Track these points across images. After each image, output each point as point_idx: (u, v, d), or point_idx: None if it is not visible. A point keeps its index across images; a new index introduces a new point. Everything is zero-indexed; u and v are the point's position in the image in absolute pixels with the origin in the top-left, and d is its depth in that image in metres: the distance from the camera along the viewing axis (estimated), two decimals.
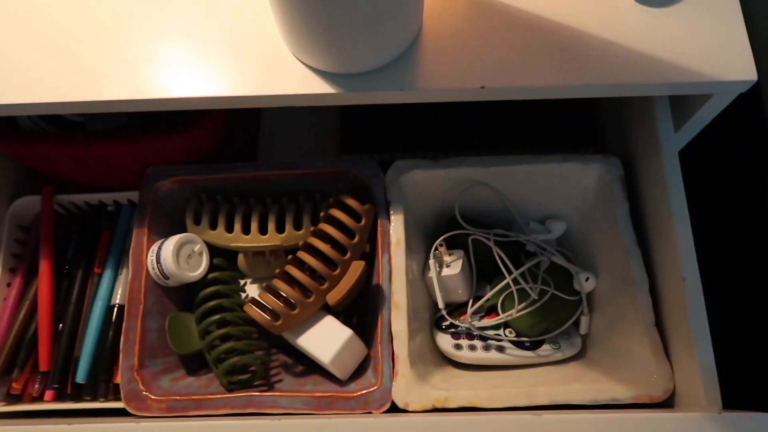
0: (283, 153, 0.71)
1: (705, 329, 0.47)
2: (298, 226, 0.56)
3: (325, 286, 0.51)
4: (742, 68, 0.46)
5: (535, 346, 0.56)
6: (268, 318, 0.50)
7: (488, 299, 0.57)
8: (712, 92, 0.48)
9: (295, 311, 0.50)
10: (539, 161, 0.56)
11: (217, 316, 0.54)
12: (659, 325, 0.52)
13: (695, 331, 0.46)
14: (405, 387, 0.49)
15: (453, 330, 0.57)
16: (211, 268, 0.57)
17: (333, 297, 0.51)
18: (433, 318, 0.59)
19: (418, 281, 0.56)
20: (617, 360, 0.53)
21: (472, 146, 0.65)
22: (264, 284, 0.52)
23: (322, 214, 0.54)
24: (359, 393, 0.50)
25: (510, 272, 0.54)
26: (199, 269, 0.56)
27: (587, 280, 0.56)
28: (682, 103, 0.53)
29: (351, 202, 0.54)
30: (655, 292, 0.53)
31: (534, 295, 0.55)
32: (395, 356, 0.50)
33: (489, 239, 0.56)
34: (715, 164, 0.97)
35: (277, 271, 0.52)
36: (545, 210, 0.60)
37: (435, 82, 0.46)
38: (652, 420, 0.42)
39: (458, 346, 0.56)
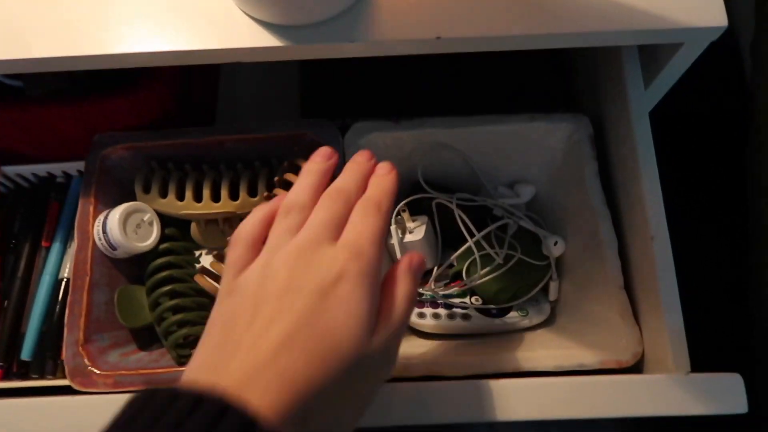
0: (244, 118, 0.67)
1: (674, 290, 0.45)
2: (253, 193, 0.53)
3: None
4: (712, 14, 0.43)
5: (501, 313, 0.54)
6: (216, 286, 0.48)
7: (452, 265, 0.55)
8: (681, 40, 0.45)
9: None
10: (505, 121, 0.54)
11: (167, 287, 0.51)
12: (629, 288, 0.50)
13: (663, 292, 0.44)
14: None
15: (417, 298, 0.55)
16: (164, 238, 0.54)
17: None
18: None
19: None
20: (586, 325, 0.51)
21: (442, 108, 0.62)
22: (215, 253, 0.50)
23: (276, 178, 0.51)
24: None
25: (472, 236, 0.52)
26: (149, 239, 0.53)
27: (556, 244, 0.54)
28: (651, 57, 0.50)
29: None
30: (625, 254, 0.51)
31: (499, 260, 0.52)
32: None
33: (452, 203, 0.53)
34: (689, 124, 0.96)
35: (229, 239, 0.49)
36: (513, 172, 0.58)
37: (388, 34, 0.43)
38: (615, 383, 0.40)
39: (421, 315, 0.54)
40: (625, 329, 0.48)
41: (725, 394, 0.40)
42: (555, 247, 0.54)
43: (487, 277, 0.52)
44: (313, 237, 0.32)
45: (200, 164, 0.55)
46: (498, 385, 0.40)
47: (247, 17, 0.44)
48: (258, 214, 0.35)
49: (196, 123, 0.57)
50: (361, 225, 0.33)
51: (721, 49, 0.77)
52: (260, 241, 0.34)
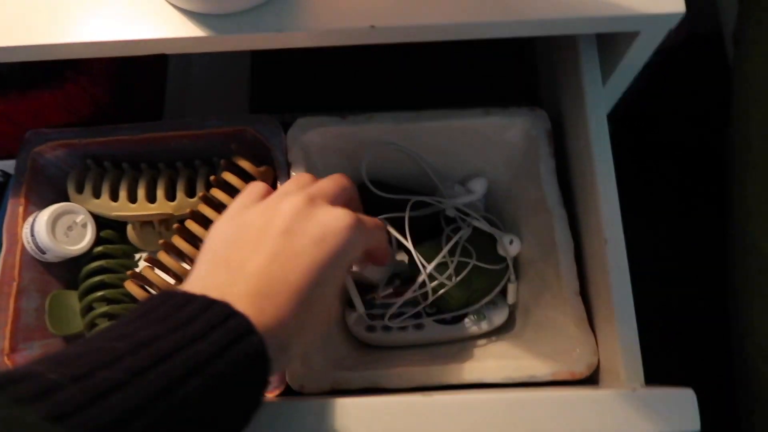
0: (194, 114, 0.64)
1: (627, 297, 0.42)
2: (191, 194, 0.51)
3: None
4: (668, 0, 0.40)
5: (456, 320, 0.51)
6: (146, 294, 0.45)
7: (401, 278, 0.52)
8: (637, 29, 0.42)
9: (176, 284, 0.45)
10: (458, 116, 0.51)
11: (99, 293, 0.49)
12: (585, 294, 0.47)
13: (616, 299, 0.41)
14: (302, 369, 0.44)
15: (366, 311, 0.52)
16: (99, 241, 0.52)
17: None
18: (345, 297, 0.54)
19: None
20: (540, 333, 0.48)
21: (398, 103, 0.59)
22: (147, 257, 0.47)
23: (212, 178, 0.48)
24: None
25: (418, 244, 0.49)
26: (81, 242, 0.50)
27: (511, 243, 0.51)
28: (609, 51, 0.47)
29: (244, 164, 0.48)
30: (582, 257, 0.48)
31: (450, 270, 0.49)
32: None
33: (398, 205, 0.50)
34: (673, 122, 0.93)
35: (161, 242, 0.47)
36: (469, 170, 0.54)
37: (318, 23, 0.40)
38: (560, 400, 0.37)
39: (371, 328, 0.51)
40: (580, 338, 0.45)
41: (677, 410, 0.37)
42: (511, 246, 0.51)
43: (441, 291, 0.49)
44: (319, 194, 0.37)
45: (138, 163, 0.52)
46: (427, 402, 0.37)
47: (170, 6, 0.41)
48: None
49: (140, 119, 0.54)
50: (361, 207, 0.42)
51: (705, 45, 0.73)
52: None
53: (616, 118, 0.94)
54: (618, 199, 0.44)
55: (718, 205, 0.71)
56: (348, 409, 0.37)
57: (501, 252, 0.51)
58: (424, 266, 0.48)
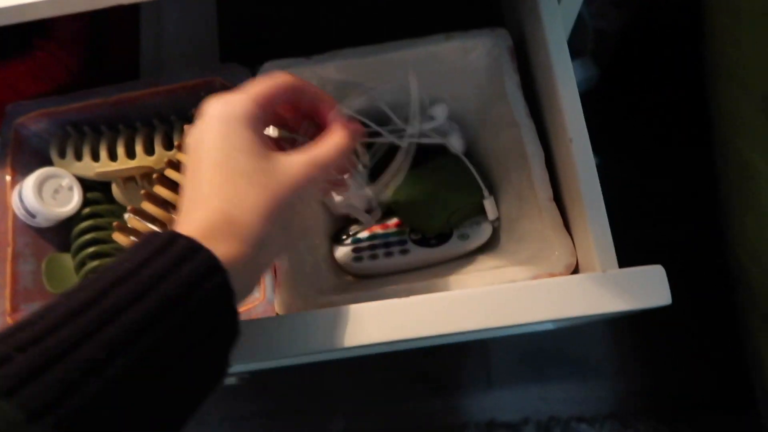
0: (171, 69, 0.65)
1: (595, 190, 0.42)
2: (170, 147, 0.52)
3: None
4: None
5: (441, 241, 0.52)
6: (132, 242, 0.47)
7: (381, 203, 0.53)
8: None
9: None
10: (420, 44, 0.51)
11: (91, 249, 0.50)
12: (559, 199, 0.47)
13: (585, 192, 0.42)
14: (288, 297, 0.46)
15: (352, 242, 0.53)
16: (87, 203, 0.53)
17: None
18: (331, 231, 0.55)
19: None
20: (521, 244, 0.49)
21: (363, 40, 0.59)
22: (131, 207, 0.48)
23: (186, 126, 0.49)
24: (242, 309, 0.46)
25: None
26: (69, 204, 0.52)
27: (459, 139, 0.52)
28: None
29: None
30: (552, 165, 0.48)
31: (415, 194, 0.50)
32: (276, 266, 0.47)
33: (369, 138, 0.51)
34: (648, 42, 0.93)
35: (143, 192, 0.48)
36: (437, 99, 0.55)
37: None
38: (527, 286, 0.38)
39: (358, 258, 0.52)
40: (557, 241, 0.46)
41: (648, 287, 0.37)
42: (460, 142, 0.52)
43: (416, 204, 0.50)
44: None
45: (117, 124, 0.54)
46: (405, 302, 0.38)
47: None
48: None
49: (118, 81, 0.55)
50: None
51: None
52: None
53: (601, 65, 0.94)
54: (579, 100, 0.45)
55: (703, 127, 0.72)
56: (329, 317, 0.38)
57: (454, 150, 0.52)
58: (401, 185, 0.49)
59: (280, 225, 0.33)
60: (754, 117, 0.58)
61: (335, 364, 0.99)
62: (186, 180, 0.34)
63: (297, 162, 0.34)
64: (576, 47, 1.00)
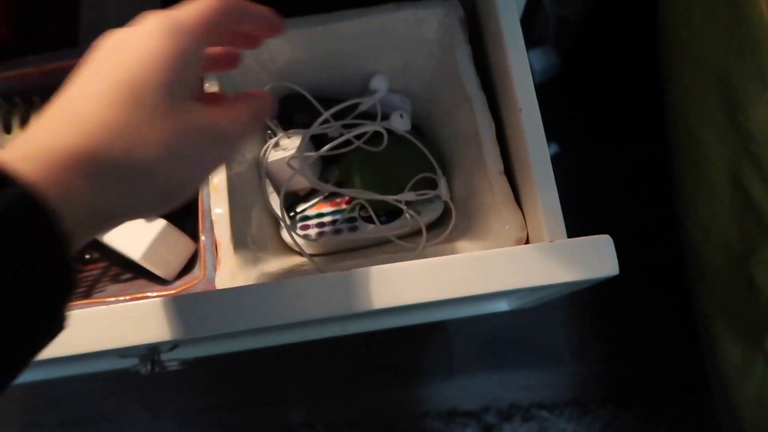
0: None
1: (545, 159, 0.41)
2: None
3: None
4: None
5: (391, 218, 0.51)
6: None
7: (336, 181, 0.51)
8: None
9: None
10: (371, 14, 0.50)
11: None
12: (510, 173, 0.46)
13: (534, 162, 0.41)
14: (229, 274, 0.44)
15: (300, 220, 0.52)
16: None
17: None
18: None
19: (250, 165, 0.50)
20: (473, 219, 0.48)
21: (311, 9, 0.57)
22: None
23: None
24: (181, 288, 0.44)
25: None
26: None
27: (402, 117, 0.50)
28: None
29: None
30: (504, 138, 0.47)
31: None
32: (217, 243, 0.45)
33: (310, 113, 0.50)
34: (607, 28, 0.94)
35: None
36: (389, 73, 0.54)
37: None
38: (470, 257, 0.37)
39: (306, 236, 0.50)
40: (508, 215, 0.45)
41: (596, 257, 0.37)
42: (402, 120, 0.50)
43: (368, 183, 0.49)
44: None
45: (50, 96, 0.51)
46: (346, 275, 0.37)
47: None
48: None
49: (53, 49, 0.52)
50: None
51: None
52: None
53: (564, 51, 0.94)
54: (530, 71, 0.44)
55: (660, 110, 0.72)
56: (270, 290, 0.37)
57: (394, 127, 0.50)
58: (350, 163, 0.48)
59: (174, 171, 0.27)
60: (706, 93, 0.58)
61: (294, 353, 0.97)
62: (66, 86, 0.27)
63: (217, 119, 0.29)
64: (537, 35, 1.00)
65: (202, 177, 0.30)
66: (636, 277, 0.91)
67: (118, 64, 0.27)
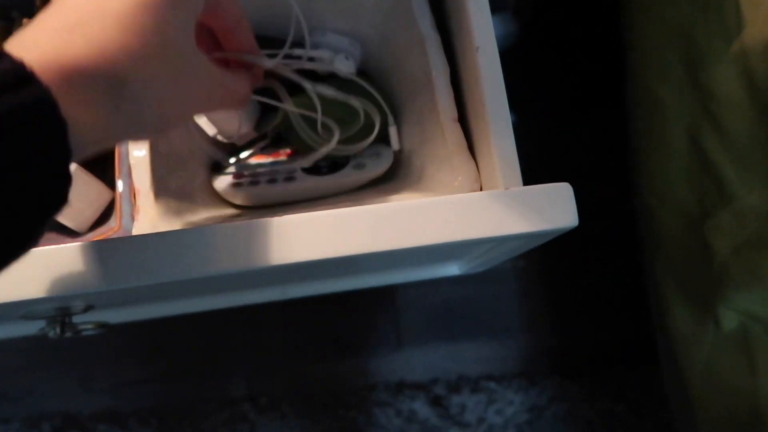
0: None
1: (501, 102, 0.38)
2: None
3: None
4: None
5: (333, 170, 0.47)
6: None
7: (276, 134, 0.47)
8: None
9: None
10: None
11: None
12: (465, 121, 0.43)
13: (489, 104, 0.37)
14: (149, 225, 0.39)
15: (236, 170, 0.47)
16: None
17: None
18: (211, 162, 0.48)
19: None
20: (423, 170, 0.44)
21: None
22: None
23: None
24: (95, 239, 0.39)
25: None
26: None
27: (347, 59, 0.46)
28: None
29: None
30: (460, 83, 0.43)
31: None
32: (135, 191, 0.39)
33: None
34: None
35: None
36: (342, 22, 0.49)
37: None
38: (424, 205, 0.33)
39: (237, 185, 0.46)
40: (461, 165, 0.41)
41: (555, 206, 0.33)
42: (346, 62, 0.46)
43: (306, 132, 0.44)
44: None
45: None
46: (278, 221, 0.32)
47: None
48: None
49: None
50: None
51: None
52: None
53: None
54: (489, 8, 0.40)
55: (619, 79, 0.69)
56: (196, 236, 0.32)
57: (340, 67, 0.46)
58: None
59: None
60: (667, 51, 0.56)
61: (235, 323, 0.93)
62: None
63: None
64: (497, 2, 0.97)
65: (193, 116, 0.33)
66: (587, 247, 0.91)
67: None
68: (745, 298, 0.51)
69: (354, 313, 0.98)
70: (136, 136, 0.30)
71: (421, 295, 0.97)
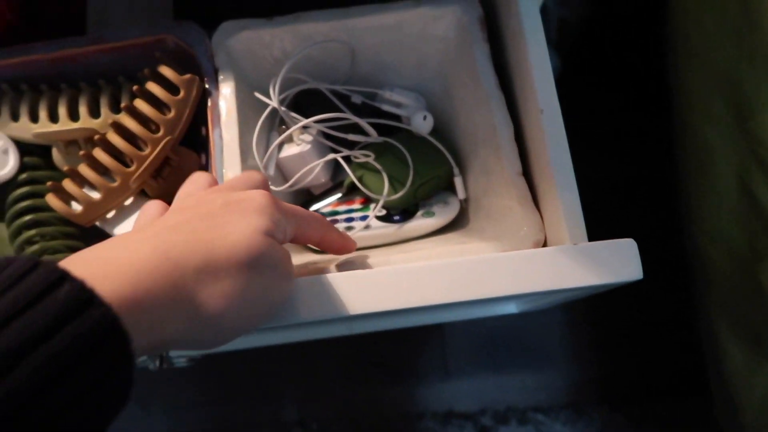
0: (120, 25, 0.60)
1: (566, 163, 0.41)
2: (116, 110, 0.48)
3: (133, 168, 0.44)
4: None
5: (405, 218, 0.50)
6: (66, 206, 0.43)
7: (342, 181, 0.51)
8: None
9: (99, 198, 0.43)
10: (388, 9, 0.49)
11: (27, 217, 0.46)
12: (528, 174, 0.46)
13: (555, 166, 0.41)
14: None
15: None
16: (24, 168, 0.49)
17: (141, 178, 0.44)
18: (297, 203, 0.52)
19: (261, 160, 0.49)
20: (489, 221, 0.48)
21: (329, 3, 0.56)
22: (68, 168, 0.45)
23: (135, 88, 0.46)
24: None
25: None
26: (4, 169, 0.48)
27: (425, 119, 0.50)
28: None
29: (167, 72, 0.46)
30: (523, 139, 0.47)
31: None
32: None
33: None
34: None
35: (82, 153, 0.44)
36: (406, 72, 0.53)
37: None
38: (493, 259, 0.36)
39: None
40: (525, 217, 0.44)
41: (620, 260, 0.36)
42: (425, 122, 0.50)
43: (385, 190, 0.48)
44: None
45: (58, 84, 0.50)
46: (372, 273, 0.36)
47: None
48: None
49: (60, 35, 0.51)
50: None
51: None
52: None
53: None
54: (551, 71, 0.44)
55: (664, 115, 0.72)
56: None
57: (415, 129, 0.50)
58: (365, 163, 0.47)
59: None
60: (715, 98, 0.58)
61: (287, 350, 0.96)
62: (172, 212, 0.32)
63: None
64: None
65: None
66: (637, 282, 0.92)
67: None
68: None
69: (402, 341, 1.00)
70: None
71: (468, 324, 0.99)
